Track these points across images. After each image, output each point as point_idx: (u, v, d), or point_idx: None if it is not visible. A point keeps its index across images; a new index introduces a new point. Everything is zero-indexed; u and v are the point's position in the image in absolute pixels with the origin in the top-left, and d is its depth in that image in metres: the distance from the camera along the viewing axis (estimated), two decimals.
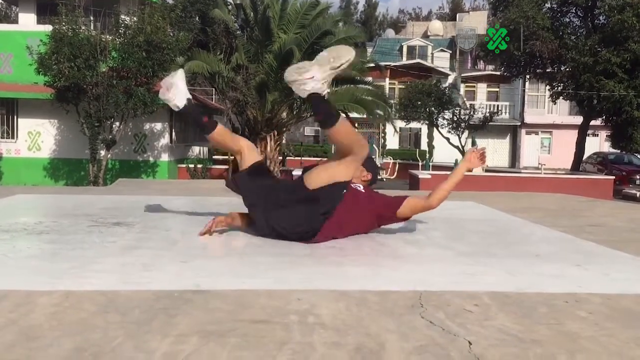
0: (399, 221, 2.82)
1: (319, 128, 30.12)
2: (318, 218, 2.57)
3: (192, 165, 15.35)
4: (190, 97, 2.75)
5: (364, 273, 2.10)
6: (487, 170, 16.96)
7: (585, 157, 21.48)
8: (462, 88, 32.05)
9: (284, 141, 17.44)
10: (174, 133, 16.27)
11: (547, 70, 20.70)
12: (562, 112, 30.77)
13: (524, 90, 31.44)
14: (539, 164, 21.48)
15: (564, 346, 1.37)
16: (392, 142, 29.60)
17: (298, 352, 1.28)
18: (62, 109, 13.01)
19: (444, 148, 22.26)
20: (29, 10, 16.35)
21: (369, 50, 31.50)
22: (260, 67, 13.71)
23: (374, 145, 21.74)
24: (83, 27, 12.60)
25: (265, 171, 2.78)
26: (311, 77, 2.18)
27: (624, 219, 4.15)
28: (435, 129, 22.31)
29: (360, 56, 16.65)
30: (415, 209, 2.72)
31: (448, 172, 2.87)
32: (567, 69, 19.46)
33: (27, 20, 16.17)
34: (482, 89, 33.10)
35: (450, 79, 31.46)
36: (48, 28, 12.34)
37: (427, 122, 21.77)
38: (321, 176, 2.51)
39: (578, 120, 23.02)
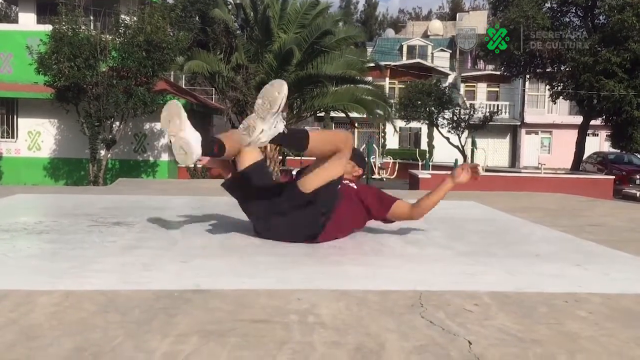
0: (384, 222, 2.83)
1: (318, 128, 30.15)
2: (319, 220, 2.57)
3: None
4: (199, 136, 2.42)
5: (364, 273, 2.10)
6: (487, 170, 16.96)
7: (585, 156, 21.49)
8: (462, 88, 32.06)
9: None
10: None
11: (547, 70, 20.71)
12: (562, 111, 30.78)
13: (524, 90, 31.46)
14: (539, 163, 21.49)
15: (564, 346, 1.37)
16: (392, 141, 29.62)
17: (298, 351, 1.28)
18: (62, 108, 13.01)
19: (444, 148, 22.28)
20: (28, 10, 16.35)
21: (369, 50, 31.51)
22: (260, 66, 13.70)
23: (373, 145, 21.72)
24: (83, 27, 12.60)
25: (263, 172, 2.75)
26: (260, 131, 2.17)
27: (624, 218, 4.15)
28: (435, 128, 22.32)
29: (360, 56, 16.65)
30: (400, 216, 2.77)
31: (448, 172, 2.84)
32: (567, 69, 19.47)
33: (27, 20, 16.17)
34: (482, 88, 33.12)
35: (450, 79, 31.49)
36: (48, 28, 12.34)
37: (427, 121, 21.79)
38: (315, 179, 2.50)
39: (578, 120, 23.04)
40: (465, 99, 27.78)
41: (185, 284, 1.83)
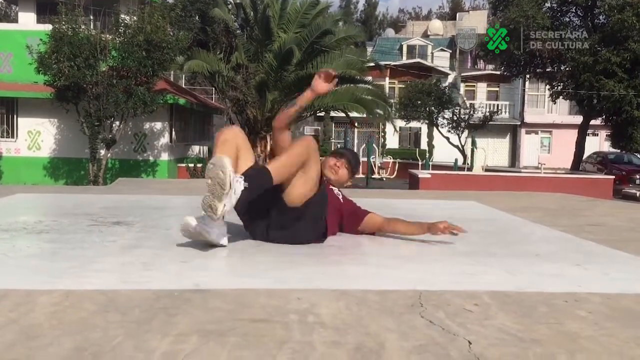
0: (355, 233, 2.85)
1: (319, 127, 30.11)
2: (321, 224, 2.59)
3: (191, 165, 15.35)
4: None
5: (364, 272, 2.10)
6: (487, 170, 16.98)
7: (585, 156, 21.49)
8: (462, 87, 32.07)
9: None
10: (173, 132, 16.27)
11: (547, 70, 20.71)
12: (562, 111, 30.79)
13: (524, 89, 31.46)
14: (539, 163, 21.50)
15: (564, 346, 1.37)
16: (392, 141, 29.63)
17: (298, 351, 1.28)
18: (62, 108, 13.02)
19: (443, 147, 22.30)
20: (28, 10, 16.35)
21: (369, 49, 31.50)
22: (260, 66, 13.71)
23: (373, 145, 21.73)
24: (83, 27, 12.60)
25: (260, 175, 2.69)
26: (223, 206, 2.16)
27: (623, 218, 4.15)
28: (435, 128, 22.34)
29: (360, 56, 16.66)
30: (372, 228, 2.82)
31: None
32: (567, 69, 19.48)
33: (27, 20, 16.18)
34: (482, 88, 33.12)
35: (450, 79, 31.49)
36: (48, 27, 12.34)
37: (427, 121, 21.81)
38: (300, 190, 2.45)
39: (578, 119, 23.04)
40: (465, 98, 27.80)
41: (185, 283, 1.83)
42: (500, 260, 2.34)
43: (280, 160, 2.39)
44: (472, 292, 1.80)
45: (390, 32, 41.89)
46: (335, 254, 2.41)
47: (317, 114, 19.81)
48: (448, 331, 1.44)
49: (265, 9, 13.41)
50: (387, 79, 30.22)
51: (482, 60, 30.45)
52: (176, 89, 17.65)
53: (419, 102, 20.75)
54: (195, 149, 18.95)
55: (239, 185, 2.18)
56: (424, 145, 30.22)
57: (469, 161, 20.26)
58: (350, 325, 1.47)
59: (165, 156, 15.89)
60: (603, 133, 28.09)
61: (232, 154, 2.47)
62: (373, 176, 19.12)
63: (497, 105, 28.76)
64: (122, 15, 13.89)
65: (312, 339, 1.36)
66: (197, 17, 16.16)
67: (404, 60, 32.86)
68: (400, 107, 21.67)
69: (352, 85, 14.73)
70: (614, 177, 15.90)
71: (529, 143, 32.22)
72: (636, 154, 19.82)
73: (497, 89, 32.85)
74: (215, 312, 1.55)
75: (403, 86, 26.86)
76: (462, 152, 20.94)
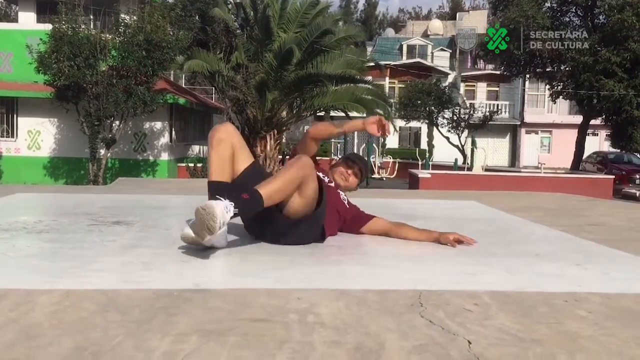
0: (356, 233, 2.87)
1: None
2: (319, 230, 2.58)
3: (191, 164, 15.35)
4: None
5: (364, 272, 2.10)
6: (486, 170, 16.98)
7: (585, 156, 21.49)
8: (462, 87, 32.07)
9: (284, 140, 17.44)
10: (173, 132, 16.28)
11: (547, 70, 20.71)
12: (562, 111, 30.78)
13: (524, 89, 31.46)
14: (539, 163, 21.50)
15: (564, 345, 1.37)
16: (392, 141, 29.60)
17: (298, 351, 1.28)
18: (61, 107, 13.02)
19: (443, 147, 22.31)
20: (28, 9, 16.36)
21: (369, 49, 31.49)
22: (260, 66, 13.70)
23: (373, 145, 21.73)
24: (83, 26, 12.60)
25: (258, 173, 2.63)
26: (209, 239, 2.11)
27: (623, 218, 4.15)
28: (435, 128, 22.34)
29: (360, 55, 16.65)
30: (375, 232, 2.83)
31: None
32: (567, 68, 19.48)
33: (27, 19, 16.18)
34: (482, 88, 33.12)
35: (450, 78, 31.48)
36: (48, 27, 12.35)
37: (427, 121, 21.81)
38: (298, 209, 2.42)
39: (578, 119, 23.04)
40: (465, 98, 27.82)
41: (185, 283, 1.84)
42: (500, 260, 2.34)
43: (274, 185, 2.29)
44: (472, 292, 1.80)
45: (390, 32, 41.88)
46: (335, 254, 2.41)
47: (317, 114, 19.79)
48: (448, 331, 1.44)
49: (265, 8, 13.40)
50: (387, 78, 30.20)
51: (482, 60, 30.45)
52: (176, 89, 17.65)
53: (419, 101, 20.75)
54: (195, 149, 18.95)
55: (228, 216, 2.12)
56: (424, 145, 30.21)
57: (469, 161, 20.27)
58: (350, 325, 1.47)
59: (165, 156, 15.89)
60: (603, 133, 28.08)
61: (228, 154, 2.46)
62: (373, 176, 19.11)
63: (497, 105, 28.77)
64: (122, 15, 13.89)
65: (312, 339, 1.36)
66: (197, 17, 16.17)
67: (404, 60, 32.85)
68: (400, 106, 21.67)
69: (352, 85, 14.71)
70: (613, 176, 15.90)
71: (529, 143, 32.22)
72: (636, 154, 19.83)
73: (497, 88, 32.85)
74: (215, 311, 1.55)
75: (403, 86, 26.87)
76: (462, 152, 20.95)
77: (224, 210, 2.09)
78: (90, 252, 2.30)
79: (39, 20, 15.68)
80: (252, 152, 2.72)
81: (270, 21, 13.51)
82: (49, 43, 12.02)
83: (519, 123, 32.01)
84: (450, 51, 34.33)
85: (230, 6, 16.10)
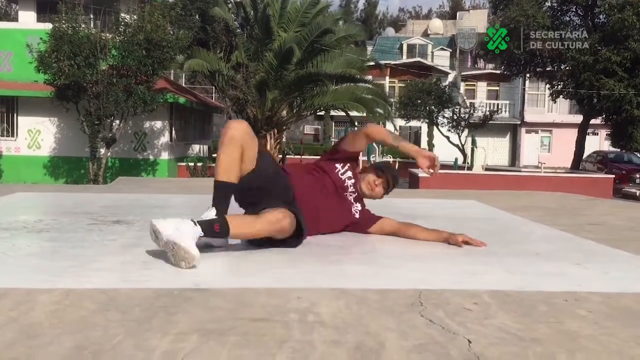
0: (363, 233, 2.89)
1: (319, 127, 30.06)
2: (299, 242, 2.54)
3: (192, 164, 15.36)
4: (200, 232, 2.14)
5: (364, 271, 2.10)
6: (487, 169, 16.98)
7: (585, 155, 21.49)
8: (462, 86, 32.05)
9: (284, 139, 17.45)
10: (174, 131, 16.28)
11: (547, 69, 20.71)
12: (562, 110, 30.77)
13: (524, 88, 31.44)
14: (539, 162, 21.49)
15: (564, 345, 1.37)
16: None
17: (298, 350, 1.28)
18: (62, 107, 13.02)
19: (444, 147, 22.25)
20: (29, 9, 16.36)
21: (369, 48, 31.49)
22: (260, 65, 13.71)
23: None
24: (83, 25, 12.60)
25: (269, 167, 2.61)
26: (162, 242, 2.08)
27: (623, 217, 4.15)
28: (435, 127, 22.31)
29: (360, 55, 16.66)
30: (383, 232, 2.84)
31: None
32: (567, 68, 19.47)
33: (27, 19, 16.18)
34: (482, 87, 33.11)
35: (450, 78, 31.47)
36: (48, 26, 12.34)
37: (427, 120, 21.78)
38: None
39: (578, 119, 23.04)
40: (465, 97, 27.79)
41: (185, 282, 1.84)
42: (500, 260, 2.34)
43: (246, 230, 2.28)
44: (472, 291, 1.80)
45: (390, 31, 41.88)
46: (335, 253, 2.41)
47: (317, 113, 19.79)
48: (448, 330, 1.44)
49: (265, 8, 13.41)
50: (387, 78, 30.19)
51: (482, 60, 30.44)
52: (176, 88, 17.65)
53: (419, 101, 20.72)
54: (196, 148, 18.95)
55: (195, 233, 2.10)
56: (424, 144, 30.16)
57: (469, 160, 20.25)
58: (350, 324, 1.47)
59: (165, 155, 15.89)
60: (603, 132, 28.07)
61: (236, 155, 2.42)
62: None
63: (497, 104, 28.75)
64: (122, 14, 13.89)
65: (312, 338, 1.36)
66: (197, 16, 16.17)
67: (404, 59, 32.84)
68: (400, 106, 21.65)
69: (352, 84, 14.72)
70: (614, 176, 15.91)
71: (529, 142, 32.21)
72: (636, 153, 19.83)
73: (497, 88, 32.84)
74: (215, 311, 1.55)
75: (403, 85, 26.85)
76: (462, 151, 20.93)
77: (174, 231, 2.07)
78: (90, 251, 2.30)
79: (39, 20, 15.68)
80: (263, 150, 2.68)
81: (271, 20, 13.52)
82: (49, 42, 12.02)
83: (519, 122, 32.00)
84: (451, 50, 34.32)
85: (230, 5, 16.11)
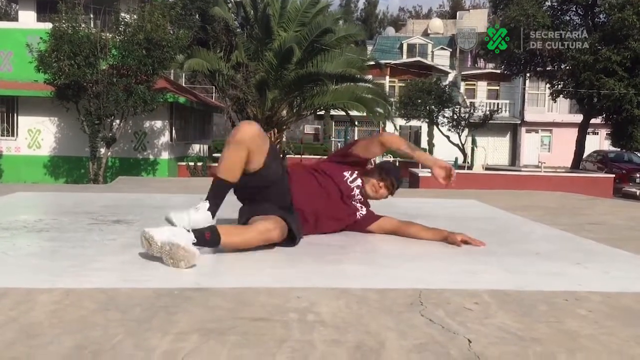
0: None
1: (319, 126, 30.05)
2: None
3: (192, 163, 15.36)
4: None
5: (364, 271, 2.10)
6: (487, 169, 16.97)
7: (585, 155, 21.48)
8: (462, 86, 32.05)
9: (284, 139, 17.44)
10: (174, 131, 16.27)
11: (548, 69, 20.70)
12: (562, 110, 30.77)
13: (524, 88, 31.43)
14: (539, 162, 21.48)
15: (564, 344, 1.37)
16: None
17: (298, 349, 1.28)
18: (62, 106, 13.01)
19: (444, 146, 22.26)
20: (29, 8, 16.35)
21: (369, 48, 31.49)
22: (260, 65, 13.70)
23: None
24: (83, 25, 12.59)
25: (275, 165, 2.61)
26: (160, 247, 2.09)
27: (623, 217, 4.15)
28: (435, 127, 22.31)
29: (361, 54, 16.66)
30: (383, 231, 2.85)
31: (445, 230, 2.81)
32: (568, 67, 19.47)
33: (27, 18, 16.17)
34: (482, 87, 33.10)
35: (450, 77, 31.44)
36: (48, 26, 12.34)
37: (427, 120, 21.77)
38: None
39: (578, 118, 23.03)
40: (465, 97, 27.82)
41: (186, 282, 1.84)
42: (500, 259, 2.34)
43: (240, 239, 2.31)
44: (472, 291, 1.80)
45: (390, 31, 41.86)
46: (335, 253, 2.41)
47: (317, 113, 19.77)
48: (448, 330, 1.44)
49: (265, 7, 13.41)
50: (387, 77, 30.20)
51: (482, 59, 30.43)
52: (176, 88, 17.65)
53: (419, 100, 20.72)
54: (196, 148, 18.95)
55: (189, 238, 2.11)
56: (424, 144, 30.15)
57: (469, 160, 20.26)
58: (350, 323, 1.47)
59: (165, 155, 15.89)
60: (603, 132, 28.09)
61: (241, 157, 2.41)
62: None
63: (498, 103, 28.75)
64: (122, 14, 13.88)
65: (312, 338, 1.36)
66: (197, 16, 16.17)
67: (404, 58, 32.84)
68: (400, 105, 21.64)
69: (352, 83, 14.72)
70: (614, 175, 15.90)
71: (529, 142, 32.21)
72: (636, 153, 19.82)
73: (498, 87, 32.84)
74: (215, 310, 1.55)
75: (403, 85, 26.84)
76: (463, 150, 20.93)
77: (170, 235, 2.09)
78: (90, 251, 2.30)
79: (39, 19, 15.67)
80: (277, 152, 2.69)
81: (271, 20, 13.51)
82: (49, 42, 12.02)
83: (519, 122, 32.00)
84: (451, 50, 34.31)
85: (230, 5, 16.10)
